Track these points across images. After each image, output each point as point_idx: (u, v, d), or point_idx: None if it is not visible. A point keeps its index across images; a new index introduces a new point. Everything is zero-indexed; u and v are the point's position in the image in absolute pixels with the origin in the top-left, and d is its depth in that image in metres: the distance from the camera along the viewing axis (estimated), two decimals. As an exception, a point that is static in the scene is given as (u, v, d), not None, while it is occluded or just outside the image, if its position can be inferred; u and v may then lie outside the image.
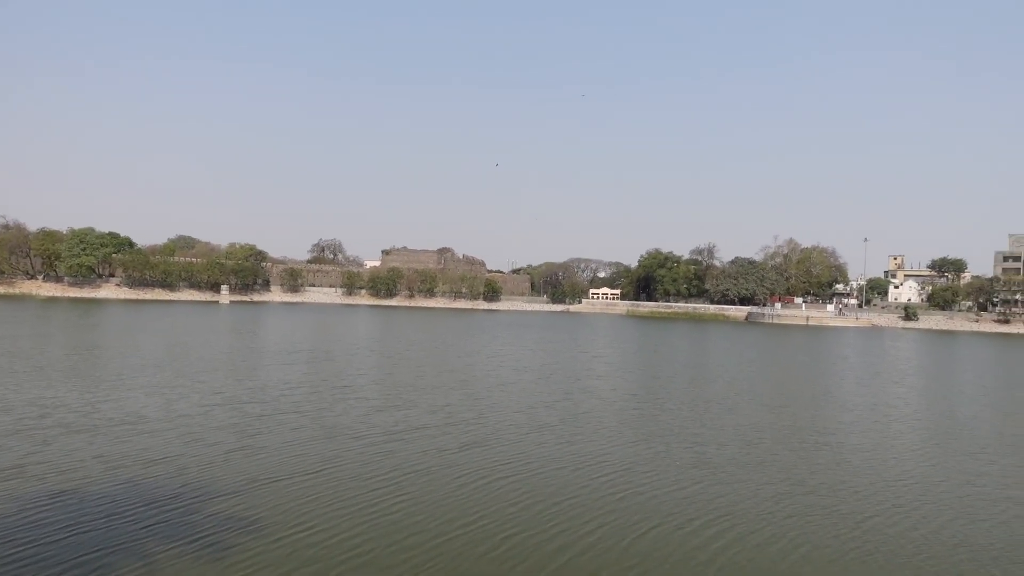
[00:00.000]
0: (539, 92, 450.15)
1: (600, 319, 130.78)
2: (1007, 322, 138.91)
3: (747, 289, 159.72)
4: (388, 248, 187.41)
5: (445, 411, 27.74)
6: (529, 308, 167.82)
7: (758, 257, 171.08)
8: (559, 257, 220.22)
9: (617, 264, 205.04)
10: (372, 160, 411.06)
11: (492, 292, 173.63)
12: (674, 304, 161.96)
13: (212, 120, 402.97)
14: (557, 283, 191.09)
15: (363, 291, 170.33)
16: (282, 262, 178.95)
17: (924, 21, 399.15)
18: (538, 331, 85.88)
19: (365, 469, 18.97)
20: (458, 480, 18.21)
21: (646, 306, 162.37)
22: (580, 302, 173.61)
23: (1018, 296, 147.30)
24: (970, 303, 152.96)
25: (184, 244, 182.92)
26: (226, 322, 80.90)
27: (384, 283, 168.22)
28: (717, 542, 14.51)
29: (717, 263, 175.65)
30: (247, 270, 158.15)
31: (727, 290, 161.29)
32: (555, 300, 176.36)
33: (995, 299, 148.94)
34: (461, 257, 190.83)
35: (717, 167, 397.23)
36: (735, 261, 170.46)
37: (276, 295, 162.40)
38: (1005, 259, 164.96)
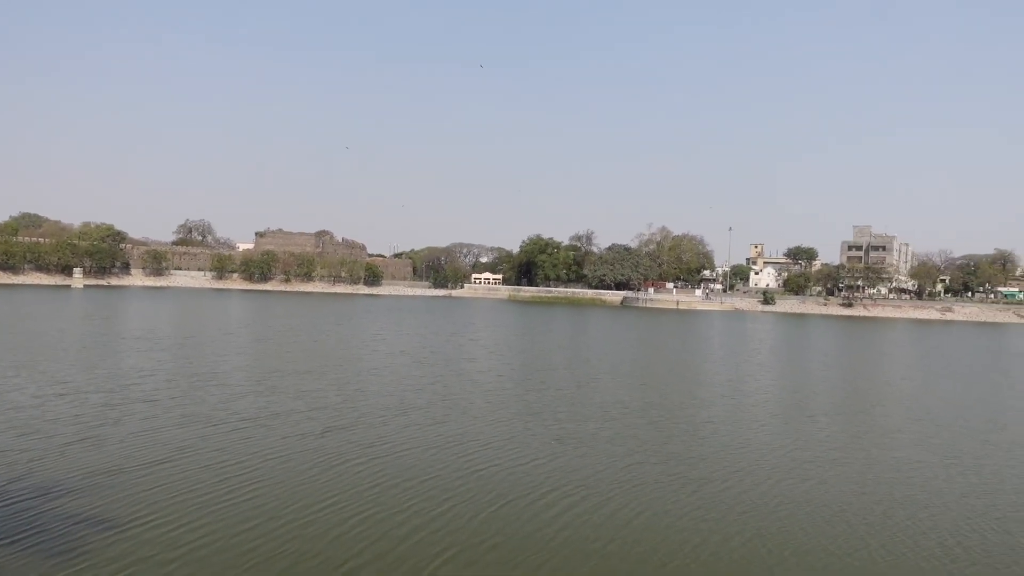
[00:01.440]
0: (427, 66, 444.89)
1: (482, 304, 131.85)
2: (850, 306, 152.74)
3: (623, 275, 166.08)
4: (262, 230, 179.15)
5: (311, 396, 27.09)
6: (411, 293, 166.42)
7: (633, 244, 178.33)
8: (442, 242, 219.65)
9: (499, 249, 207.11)
10: (244, 138, 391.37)
11: (373, 276, 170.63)
12: (554, 289, 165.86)
13: (63, 84, 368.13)
14: (440, 268, 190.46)
15: (235, 275, 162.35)
16: (144, 243, 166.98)
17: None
18: (418, 316, 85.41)
19: (220, 456, 18.25)
20: (318, 465, 17.90)
21: (527, 291, 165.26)
22: (462, 287, 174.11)
23: (860, 282, 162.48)
24: (820, 288, 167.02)
25: (29, 222, 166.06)
26: (77, 308, 74.68)
27: (258, 267, 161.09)
28: (568, 512, 15.15)
29: (595, 249, 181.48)
30: (103, 252, 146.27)
31: (604, 275, 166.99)
32: (437, 285, 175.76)
33: (841, 285, 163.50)
34: (341, 240, 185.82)
35: (595, 157, 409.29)
36: (612, 248, 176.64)
37: (137, 279, 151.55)
38: (850, 248, 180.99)
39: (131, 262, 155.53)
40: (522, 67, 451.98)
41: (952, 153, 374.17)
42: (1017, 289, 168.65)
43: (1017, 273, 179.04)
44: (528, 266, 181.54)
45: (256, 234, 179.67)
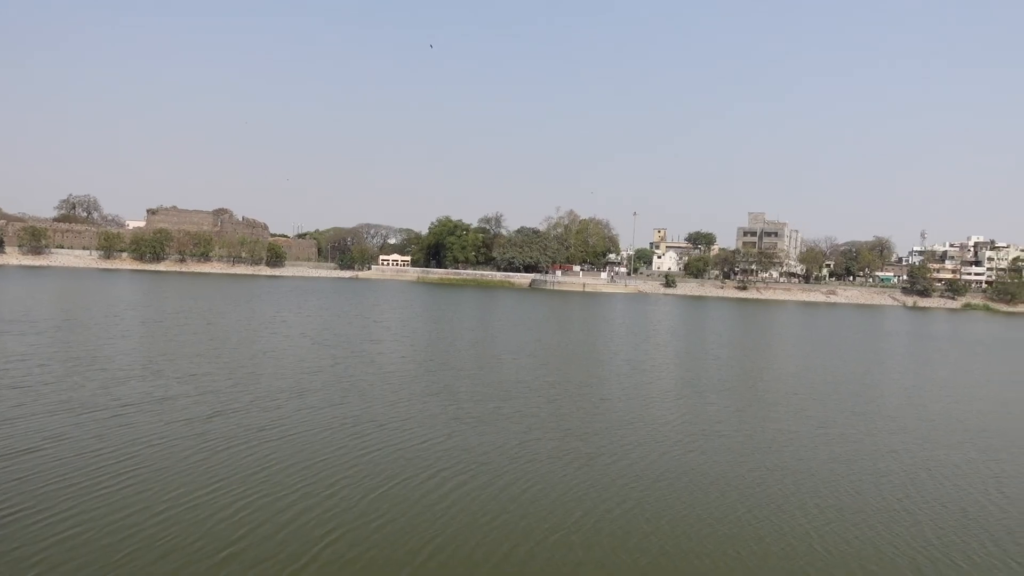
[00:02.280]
0: (338, 33, 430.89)
1: (389, 285, 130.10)
2: (745, 288, 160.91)
3: (531, 257, 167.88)
4: (155, 207, 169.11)
5: (200, 380, 26.04)
6: (315, 274, 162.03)
7: (542, 227, 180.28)
8: (348, 222, 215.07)
9: (408, 231, 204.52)
10: (133, 107, 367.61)
11: (275, 257, 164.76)
12: (463, 271, 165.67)
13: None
14: (346, 249, 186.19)
15: (124, 255, 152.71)
16: (20, 219, 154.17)
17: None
18: (321, 298, 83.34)
19: (97, 444, 17.30)
20: (204, 450, 17.29)
21: (436, 273, 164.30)
22: (369, 268, 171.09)
23: (754, 266, 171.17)
24: (717, 272, 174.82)
25: None
26: (-61, 288, 68.32)
27: (150, 246, 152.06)
28: (459, 490, 15.35)
29: (504, 232, 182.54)
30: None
31: (513, 258, 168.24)
32: (344, 266, 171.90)
33: (736, 269, 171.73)
34: (241, 219, 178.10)
35: (504, 136, 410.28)
36: (521, 230, 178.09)
37: (12, 257, 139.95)
38: (745, 234, 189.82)
39: (4, 239, 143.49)
40: (437, 42, 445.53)
41: (839, 145, 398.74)
42: (892, 274, 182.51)
43: (892, 259, 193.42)
44: (437, 248, 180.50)
45: (148, 211, 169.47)
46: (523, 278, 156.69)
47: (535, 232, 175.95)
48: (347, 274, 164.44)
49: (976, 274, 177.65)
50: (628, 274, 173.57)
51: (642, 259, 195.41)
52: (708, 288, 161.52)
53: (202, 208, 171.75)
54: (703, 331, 63.61)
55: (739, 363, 40.92)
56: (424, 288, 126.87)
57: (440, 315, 66.28)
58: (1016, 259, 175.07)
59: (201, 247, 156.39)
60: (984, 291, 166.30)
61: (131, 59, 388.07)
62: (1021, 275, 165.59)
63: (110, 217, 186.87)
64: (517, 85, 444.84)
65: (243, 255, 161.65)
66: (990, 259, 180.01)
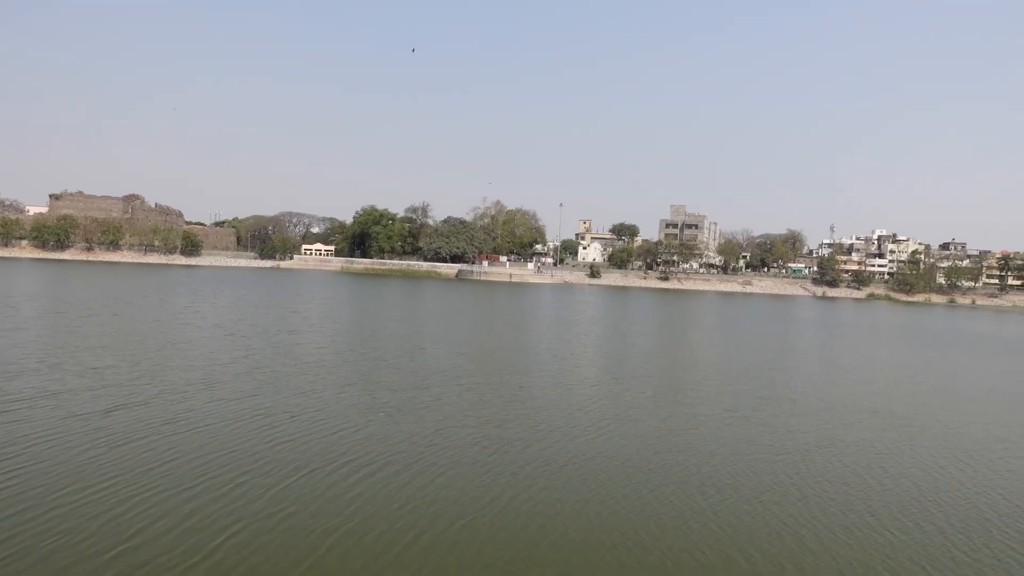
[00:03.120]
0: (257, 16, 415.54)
1: (313, 276, 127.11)
2: (667, 279, 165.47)
3: (458, 247, 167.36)
4: (58, 192, 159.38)
5: (102, 373, 24.83)
6: (234, 264, 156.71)
7: (468, 217, 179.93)
8: (269, 210, 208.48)
9: (332, 220, 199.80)
10: (36, 85, 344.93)
11: (191, 246, 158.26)
12: (389, 261, 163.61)
13: None
14: (267, 238, 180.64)
15: (24, 242, 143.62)
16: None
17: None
18: (239, 288, 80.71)
19: (-23, 442, 16.27)
20: (100, 445, 16.54)
21: (361, 263, 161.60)
22: (292, 258, 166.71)
23: (675, 257, 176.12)
24: (640, 263, 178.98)
25: None
26: None
27: (53, 233, 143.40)
28: (369, 479, 15.26)
29: (431, 222, 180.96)
30: None
31: (439, 248, 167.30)
32: (264, 256, 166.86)
33: (659, 260, 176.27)
34: (154, 206, 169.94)
35: (429, 125, 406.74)
36: (447, 220, 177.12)
37: None
38: (667, 226, 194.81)
39: None
40: (363, 27, 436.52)
41: (754, 140, 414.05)
42: (803, 265, 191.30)
43: (804, 251, 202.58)
44: (362, 238, 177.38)
45: (51, 196, 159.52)
46: (450, 268, 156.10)
47: (462, 222, 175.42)
48: (268, 264, 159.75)
49: (879, 266, 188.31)
50: (554, 265, 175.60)
51: (568, 250, 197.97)
52: (631, 279, 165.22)
53: (111, 194, 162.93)
54: (625, 320, 65.10)
55: (657, 351, 42.14)
56: (348, 278, 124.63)
57: (363, 305, 65.36)
58: (914, 252, 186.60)
59: (110, 235, 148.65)
60: (886, 282, 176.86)
61: (34, 31, 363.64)
62: (919, 267, 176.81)
63: (7, 202, 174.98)
64: (443, 73, 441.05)
65: (156, 243, 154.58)
66: (892, 252, 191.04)
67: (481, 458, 17.21)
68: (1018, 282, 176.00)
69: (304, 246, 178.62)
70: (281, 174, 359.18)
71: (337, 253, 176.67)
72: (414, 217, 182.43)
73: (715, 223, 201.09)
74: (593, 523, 13.55)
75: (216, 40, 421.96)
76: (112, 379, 23.89)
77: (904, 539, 13.63)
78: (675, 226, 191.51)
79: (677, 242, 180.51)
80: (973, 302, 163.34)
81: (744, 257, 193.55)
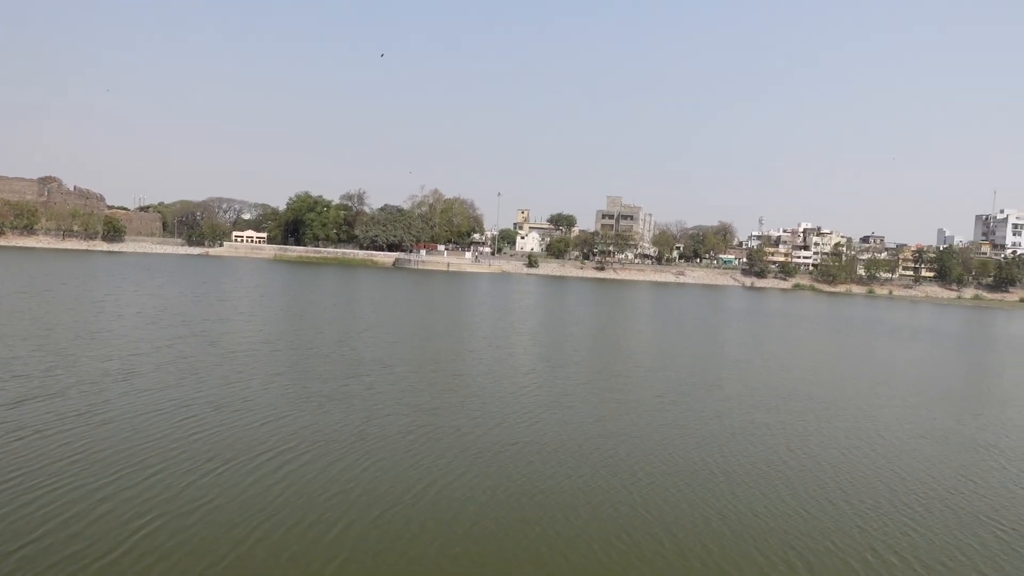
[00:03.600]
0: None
1: (244, 263, 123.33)
2: (603, 269, 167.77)
3: (395, 235, 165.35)
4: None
5: (9, 364, 23.38)
6: (160, 250, 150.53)
7: (406, 206, 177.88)
8: (197, 195, 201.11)
9: (264, 206, 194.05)
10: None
11: (114, 231, 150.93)
12: (324, 249, 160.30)
13: None
14: (195, 223, 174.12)
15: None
16: None
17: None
18: (165, 275, 77.56)
19: None
20: (6, 437, 15.61)
21: (295, 251, 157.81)
22: (222, 245, 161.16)
23: (611, 248, 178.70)
24: (577, 253, 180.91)
25: None
26: None
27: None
28: (295, 472, 14.91)
29: (367, 209, 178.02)
30: None
31: (376, 236, 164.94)
32: (192, 242, 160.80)
33: (595, 250, 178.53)
34: (72, 189, 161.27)
35: (367, 111, 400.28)
36: (384, 208, 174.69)
37: None
38: (603, 217, 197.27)
39: None
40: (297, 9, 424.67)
41: (688, 134, 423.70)
42: (733, 256, 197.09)
43: (735, 243, 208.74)
44: (296, 225, 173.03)
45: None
46: (387, 257, 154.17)
47: (399, 211, 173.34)
48: (196, 251, 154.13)
49: (804, 257, 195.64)
50: (492, 254, 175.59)
51: (506, 239, 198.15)
52: (569, 268, 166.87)
53: (25, 175, 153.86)
54: (561, 309, 65.77)
55: (591, 340, 42.74)
56: (282, 266, 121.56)
57: (296, 294, 63.89)
58: (837, 244, 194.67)
59: (24, 219, 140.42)
60: (811, 273, 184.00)
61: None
62: (841, 259, 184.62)
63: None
64: (384, 60, 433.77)
65: (75, 228, 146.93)
66: (816, 244, 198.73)
67: (413, 447, 17.06)
68: (930, 274, 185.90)
69: (235, 233, 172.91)
70: (210, 159, 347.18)
71: (270, 240, 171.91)
72: (350, 204, 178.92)
73: (650, 214, 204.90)
74: (525, 509, 13.62)
75: (147, 20, 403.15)
76: (20, 370, 22.59)
77: (819, 514, 14.23)
78: (611, 217, 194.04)
79: (613, 233, 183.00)
80: (890, 292, 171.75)
81: (678, 248, 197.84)
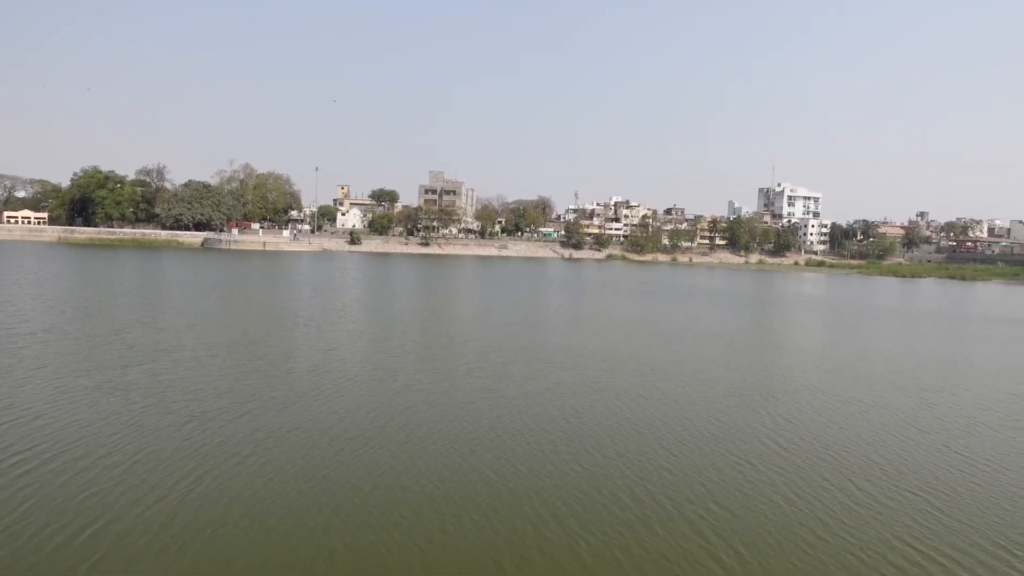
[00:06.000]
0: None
1: (20, 248, 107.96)
2: (427, 244, 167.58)
3: (203, 214, 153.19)
4: None
5: None
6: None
7: (214, 181, 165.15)
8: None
9: (43, 182, 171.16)
10: None
11: None
12: (119, 230, 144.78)
13: None
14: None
15: None
16: None
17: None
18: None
19: None
20: None
21: (84, 232, 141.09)
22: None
23: (435, 223, 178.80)
24: (401, 229, 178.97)
25: None
26: None
27: None
28: (56, 472, 13.34)
29: (168, 186, 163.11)
30: None
31: (181, 215, 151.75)
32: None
33: (419, 226, 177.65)
34: None
35: (161, 78, 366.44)
36: (189, 184, 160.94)
37: None
38: (426, 192, 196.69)
39: None
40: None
41: (508, 108, 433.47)
42: (552, 229, 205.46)
43: (553, 216, 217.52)
44: (84, 203, 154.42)
45: None
46: (194, 237, 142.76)
47: (206, 187, 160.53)
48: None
49: (616, 229, 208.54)
50: (312, 232, 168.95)
51: (326, 216, 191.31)
52: (393, 245, 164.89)
53: None
54: (388, 286, 64.79)
55: (418, 315, 42.50)
56: (68, 250, 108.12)
57: (81, 279, 57.12)
58: (644, 216, 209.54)
59: None
60: (622, 243, 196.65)
61: None
62: (648, 230, 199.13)
63: None
64: (192, 35, 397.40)
65: None
66: (626, 216, 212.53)
67: (194, 435, 15.90)
68: (723, 242, 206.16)
69: (7, 213, 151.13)
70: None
71: (52, 221, 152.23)
72: (148, 181, 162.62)
73: (472, 189, 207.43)
74: (313, 484, 13.22)
75: None
76: None
77: (628, 459, 15.22)
78: (434, 192, 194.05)
79: (436, 208, 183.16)
80: (691, 260, 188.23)
81: (500, 222, 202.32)
